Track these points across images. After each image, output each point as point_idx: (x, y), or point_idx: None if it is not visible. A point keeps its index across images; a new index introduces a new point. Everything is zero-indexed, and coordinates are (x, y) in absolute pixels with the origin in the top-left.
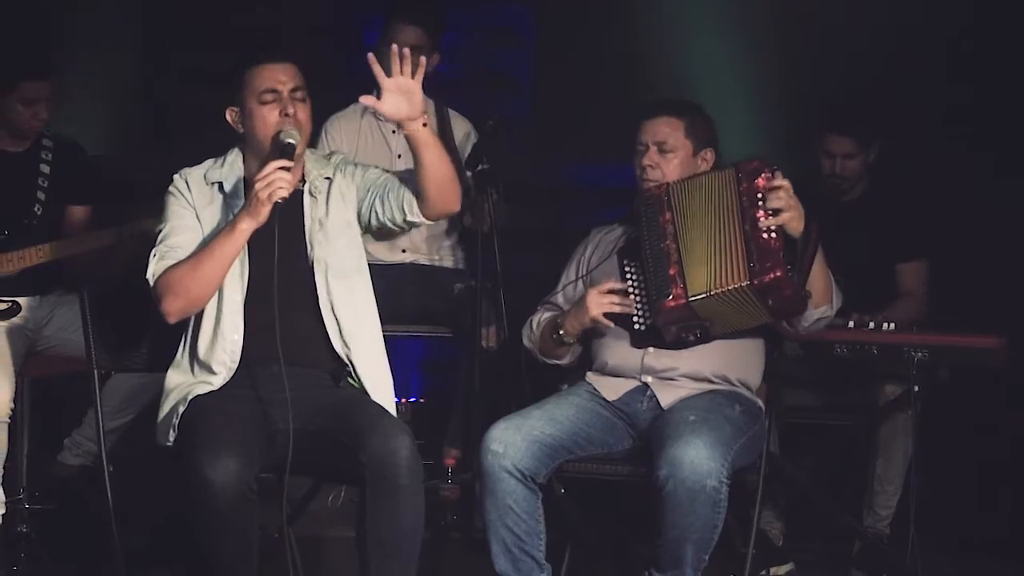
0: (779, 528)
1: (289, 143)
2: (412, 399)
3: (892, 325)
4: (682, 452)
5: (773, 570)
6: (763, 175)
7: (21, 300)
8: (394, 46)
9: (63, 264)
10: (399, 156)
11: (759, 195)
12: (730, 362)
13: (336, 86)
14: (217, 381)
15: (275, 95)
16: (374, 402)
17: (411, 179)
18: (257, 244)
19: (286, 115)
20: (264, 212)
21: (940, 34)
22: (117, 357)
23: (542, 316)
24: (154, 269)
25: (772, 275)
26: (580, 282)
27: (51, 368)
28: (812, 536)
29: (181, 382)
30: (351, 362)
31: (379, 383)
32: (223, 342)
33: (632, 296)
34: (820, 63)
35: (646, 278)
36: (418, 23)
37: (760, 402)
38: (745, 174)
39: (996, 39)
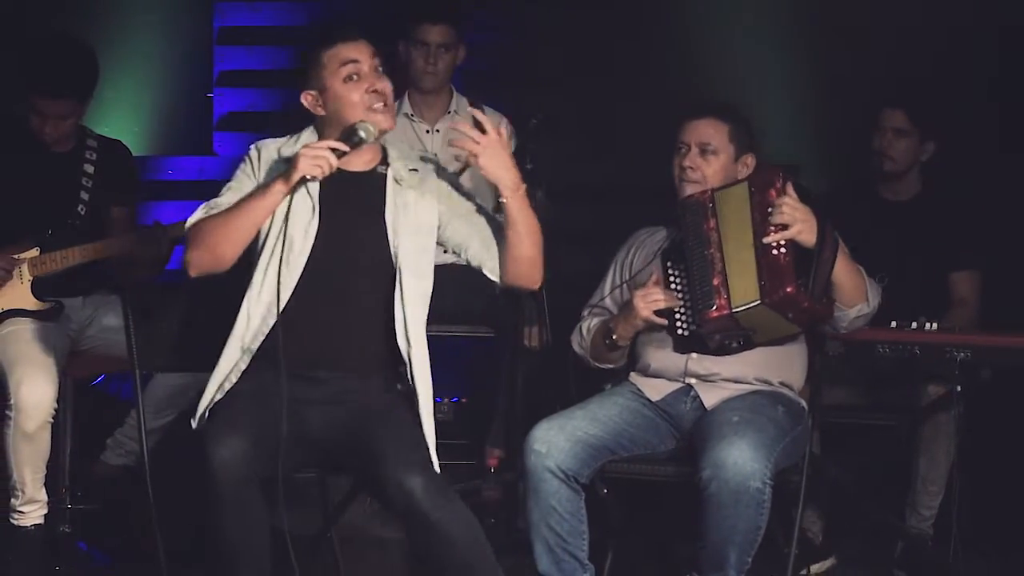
0: (819, 527)
1: (360, 136)
2: (455, 399)
3: (934, 325)
4: (726, 453)
5: (814, 568)
6: (774, 188)
7: (64, 300)
8: (473, 112)
9: (106, 264)
10: (434, 155)
11: (769, 209)
12: (772, 365)
13: None
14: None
15: (358, 73)
16: (398, 423)
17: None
18: (327, 229)
19: (374, 91)
20: (294, 179)
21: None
22: (159, 357)
23: (591, 322)
24: (193, 219)
25: (782, 292)
26: (626, 285)
27: (94, 368)
28: (855, 536)
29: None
30: (410, 360)
31: (427, 387)
32: (263, 327)
33: (676, 295)
34: (855, 63)
35: (690, 284)
36: (444, 20)
37: (803, 402)
38: (757, 188)
39: None
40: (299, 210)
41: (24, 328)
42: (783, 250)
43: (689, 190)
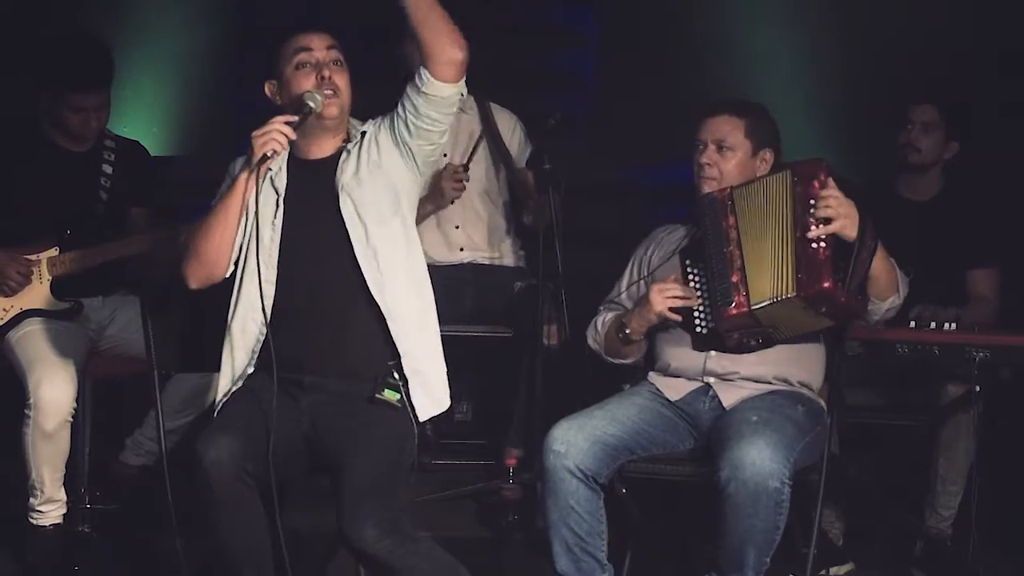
0: (839, 528)
1: (309, 105)
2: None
3: (953, 325)
4: (744, 453)
5: (833, 570)
6: (817, 180)
7: (84, 300)
8: None
9: (125, 264)
10: (444, 155)
11: (812, 201)
12: (791, 364)
13: (373, 84)
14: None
15: (310, 61)
16: (367, 447)
17: None
18: (291, 217)
19: (322, 78)
20: (254, 162)
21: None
22: (178, 357)
23: (606, 316)
24: (184, 237)
25: (819, 287)
26: (643, 282)
27: (113, 368)
28: (874, 536)
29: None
30: (387, 309)
31: (423, 354)
32: (254, 327)
33: (694, 293)
34: (881, 63)
35: (709, 282)
36: None
37: (822, 402)
38: (800, 177)
39: None
40: (266, 207)
41: (43, 328)
42: (823, 244)
43: (707, 187)
